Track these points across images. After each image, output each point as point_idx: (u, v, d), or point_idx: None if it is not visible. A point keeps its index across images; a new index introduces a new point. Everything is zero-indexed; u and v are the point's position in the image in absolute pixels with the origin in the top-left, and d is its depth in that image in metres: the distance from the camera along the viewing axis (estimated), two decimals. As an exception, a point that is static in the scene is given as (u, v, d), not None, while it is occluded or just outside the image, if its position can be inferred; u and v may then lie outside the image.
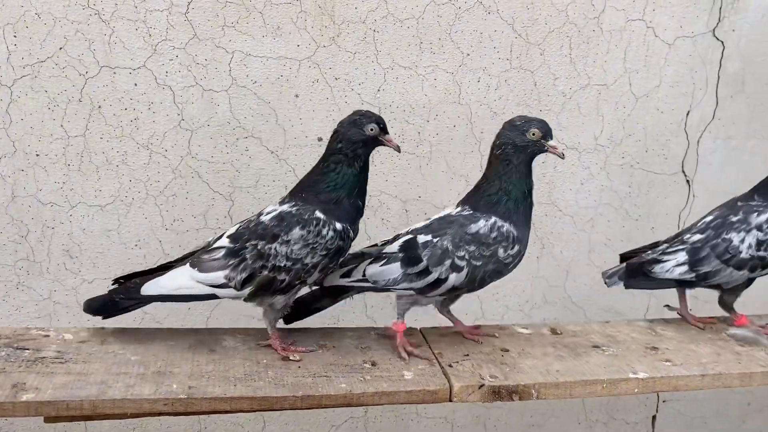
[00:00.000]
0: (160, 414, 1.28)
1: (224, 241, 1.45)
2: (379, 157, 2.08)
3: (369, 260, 1.51)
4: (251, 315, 2.10)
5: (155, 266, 1.55)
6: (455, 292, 1.53)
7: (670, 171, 2.31)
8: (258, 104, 1.98)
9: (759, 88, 2.30)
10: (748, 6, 2.21)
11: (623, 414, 2.53)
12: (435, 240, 1.48)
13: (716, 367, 1.52)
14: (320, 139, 2.03)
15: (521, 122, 1.50)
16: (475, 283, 1.50)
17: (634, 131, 2.25)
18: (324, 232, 1.39)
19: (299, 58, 1.97)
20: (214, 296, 1.43)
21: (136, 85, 1.90)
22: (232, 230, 1.48)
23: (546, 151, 1.50)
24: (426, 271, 1.46)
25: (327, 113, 2.02)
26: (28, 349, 1.40)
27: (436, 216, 1.57)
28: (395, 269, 1.48)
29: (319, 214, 1.41)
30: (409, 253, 1.48)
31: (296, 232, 1.39)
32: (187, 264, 1.44)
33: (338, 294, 1.56)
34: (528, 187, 1.52)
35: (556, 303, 2.35)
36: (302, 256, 1.39)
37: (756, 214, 1.67)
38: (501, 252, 1.47)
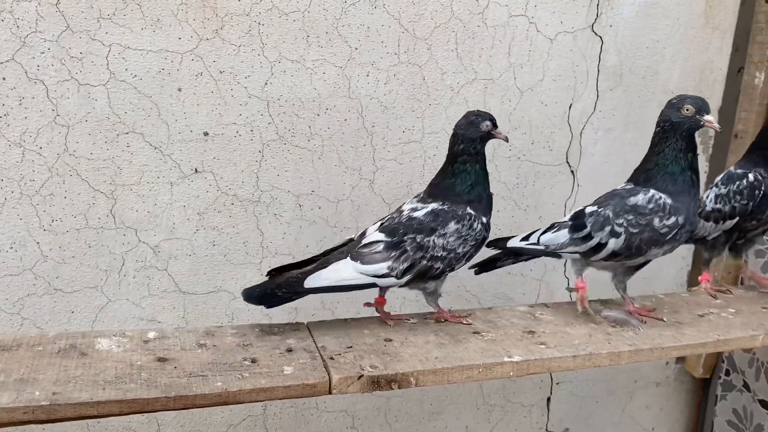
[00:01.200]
0: (21, 423, 1.22)
1: (379, 236, 1.62)
2: (269, 151, 2.06)
3: (543, 229, 1.79)
4: (146, 318, 2.05)
5: (302, 260, 1.66)
6: (617, 259, 1.71)
7: (555, 162, 2.40)
8: (139, 99, 1.92)
9: (635, 81, 2.42)
10: (622, 2, 2.32)
11: (520, 397, 2.62)
12: (599, 210, 1.71)
13: (587, 347, 1.60)
14: (206, 134, 1.99)
15: (677, 100, 1.65)
16: (632, 249, 1.67)
17: (521, 124, 2.32)
18: (475, 225, 1.62)
19: (181, 51, 1.92)
20: (373, 285, 1.61)
21: (4, 79, 1.80)
22: (376, 226, 1.65)
23: (702, 125, 1.62)
24: (588, 236, 1.70)
25: (212, 107, 1.98)
26: None
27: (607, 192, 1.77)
28: (563, 235, 1.74)
29: (470, 210, 1.62)
30: (577, 221, 1.73)
31: (452, 226, 1.60)
32: (348, 258, 1.60)
33: (518, 255, 1.85)
34: (688, 162, 1.65)
35: (451, 293, 2.40)
36: (455, 246, 1.60)
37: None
38: (656, 221, 1.64)
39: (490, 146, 2.30)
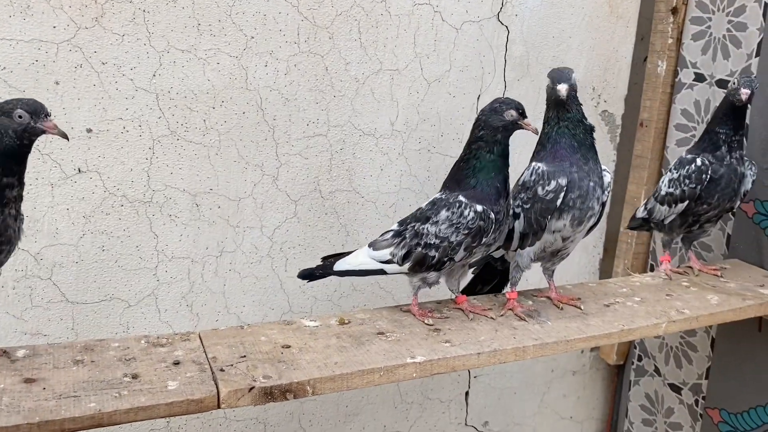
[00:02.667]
0: None
1: (394, 225, 1.71)
2: (161, 148, 1.93)
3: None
4: (30, 332, 1.88)
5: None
6: (527, 242, 1.73)
7: (465, 153, 2.36)
8: (10, 93, 1.74)
9: (542, 71, 2.40)
10: (527, -8, 2.30)
11: (437, 393, 2.58)
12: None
13: (492, 344, 1.55)
14: (89, 130, 1.84)
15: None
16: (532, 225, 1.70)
17: (429, 116, 2.27)
18: (465, 213, 1.58)
19: (57, 41, 1.76)
20: (383, 272, 1.68)
21: None
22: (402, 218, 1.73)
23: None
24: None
25: (95, 101, 1.83)
26: None
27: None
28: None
29: (461, 198, 1.59)
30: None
31: (443, 214, 1.60)
32: (367, 244, 1.72)
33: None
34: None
35: (365, 290, 2.33)
36: (448, 235, 1.58)
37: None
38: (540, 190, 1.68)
39: (399, 140, 2.25)
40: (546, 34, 2.39)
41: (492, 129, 1.58)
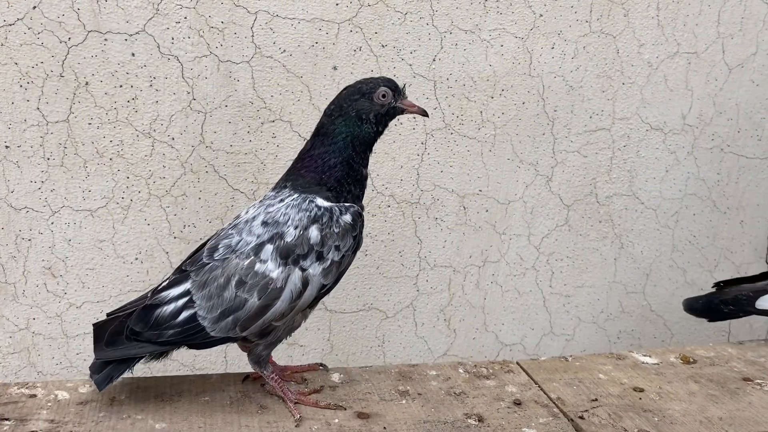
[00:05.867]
0: None
1: None
2: (432, 142, 1.70)
3: None
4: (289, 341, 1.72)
5: (754, 275, 1.40)
6: None
7: (763, 155, 1.97)
8: (288, 79, 1.58)
9: None
10: None
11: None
12: None
13: None
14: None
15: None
16: None
17: (726, 108, 1.90)
18: None
19: (338, 20, 1.57)
20: None
21: (133, 55, 1.48)
22: None
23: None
24: None
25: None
26: (8, 420, 1.00)
27: None
28: None
29: None
30: None
31: None
32: None
33: None
34: None
35: (634, 312, 2.00)
36: None
37: None
38: None
39: (690, 136, 1.88)
40: None
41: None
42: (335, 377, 1.20)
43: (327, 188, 1.09)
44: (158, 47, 1.49)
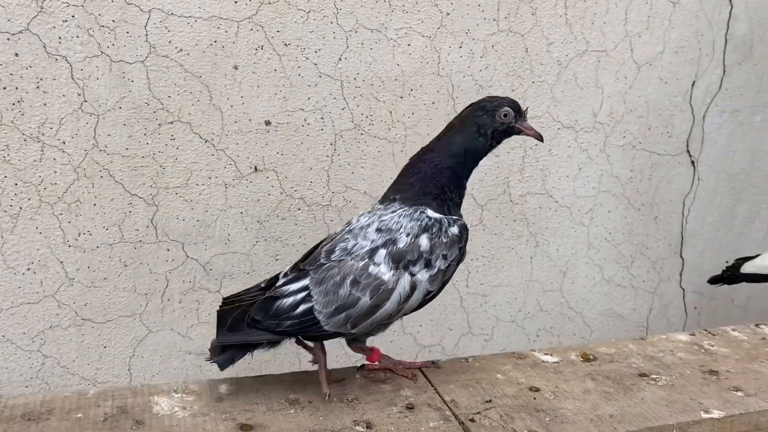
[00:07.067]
0: None
1: None
2: (342, 143, 1.67)
3: None
4: (196, 351, 1.66)
5: None
6: None
7: (674, 151, 2.01)
8: (186, 79, 1.52)
9: (767, 54, 2.03)
10: (759, -42, 1.93)
11: None
12: None
13: (798, 394, 1.20)
14: (268, 123, 1.60)
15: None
16: None
17: (636, 106, 1.93)
18: None
19: (238, 18, 1.53)
20: None
21: (17, 55, 1.41)
22: None
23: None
24: None
25: (275, 89, 1.59)
26: None
27: None
28: None
29: None
30: None
31: None
32: None
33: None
34: None
35: (552, 311, 2.01)
36: None
37: None
38: None
39: (602, 134, 1.90)
40: (774, 9, 2.00)
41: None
42: (222, 388, 1.15)
43: (433, 197, 1.16)
44: (44, 47, 1.42)
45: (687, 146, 2.02)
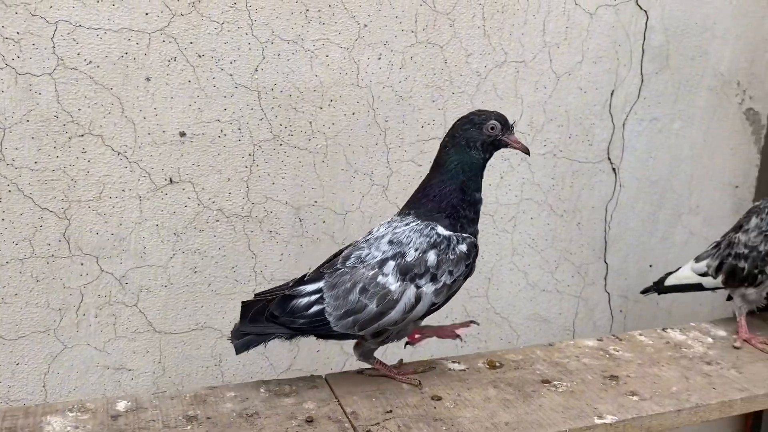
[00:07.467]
0: None
1: None
2: (261, 154, 1.67)
3: None
4: (113, 366, 1.64)
5: None
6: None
7: (595, 159, 2.05)
8: (96, 91, 1.50)
9: (683, 64, 2.09)
10: (671, -29, 1.99)
11: None
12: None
13: (690, 397, 1.24)
14: (183, 134, 1.59)
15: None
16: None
17: (556, 115, 1.97)
18: None
19: (149, 30, 1.52)
20: (700, 286, 1.65)
21: None
22: None
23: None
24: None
25: (190, 100, 1.58)
26: None
27: None
28: None
29: None
30: None
31: (752, 221, 1.55)
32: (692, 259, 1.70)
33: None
34: None
35: (479, 317, 2.03)
36: (757, 243, 1.50)
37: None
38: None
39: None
40: (688, 20, 2.06)
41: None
42: (120, 406, 1.14)
43: (446, 215, 1.23)
44: None
45: (608, 154, 2.06)
